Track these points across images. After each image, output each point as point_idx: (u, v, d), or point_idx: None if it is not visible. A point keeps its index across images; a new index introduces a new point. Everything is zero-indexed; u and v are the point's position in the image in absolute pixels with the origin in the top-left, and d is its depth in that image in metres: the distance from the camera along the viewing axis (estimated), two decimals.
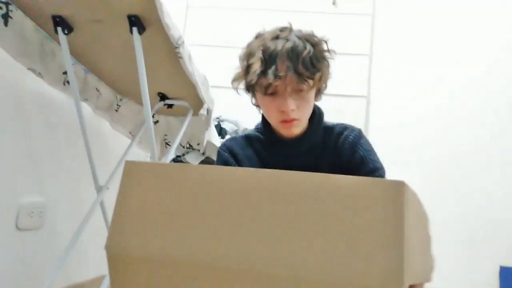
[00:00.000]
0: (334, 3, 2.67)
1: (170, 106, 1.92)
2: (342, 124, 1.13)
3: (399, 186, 0.50)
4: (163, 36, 1.32)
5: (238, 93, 1.07)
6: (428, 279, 0.67)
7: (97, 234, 1.36)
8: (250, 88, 1.02)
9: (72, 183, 1.73)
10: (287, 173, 0.54)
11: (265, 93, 0.96)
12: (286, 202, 0.52)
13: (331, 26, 2.46)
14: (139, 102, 1.95)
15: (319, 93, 1.07)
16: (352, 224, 0.49)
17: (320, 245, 0.48)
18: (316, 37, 1.00)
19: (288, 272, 0.49)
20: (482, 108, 2.42)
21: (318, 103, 1.13)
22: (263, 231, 0.51)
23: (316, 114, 1.10)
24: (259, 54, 0.95)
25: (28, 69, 1.39)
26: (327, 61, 1.01)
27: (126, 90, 1.86)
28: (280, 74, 0.91)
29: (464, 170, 2.36)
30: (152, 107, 1.83)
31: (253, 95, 1.06)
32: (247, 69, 0.99)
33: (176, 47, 1.34)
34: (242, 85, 1.06)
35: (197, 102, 1.80)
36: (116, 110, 1.92)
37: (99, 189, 1.56)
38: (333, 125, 1.12)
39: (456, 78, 2.48)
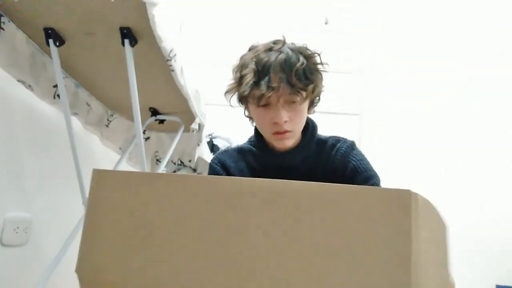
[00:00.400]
0: (326, 23, 2.70)
1: (161, 122, 1.90)
2: (336, 136, 1.13)
3: (406, 196, 0.46)
4: (155, 49, 1.32)
5: (231, 105, 1.06)
6: None
7: None
8: (243, 99, 1.02)
9: (60, 198, 1.69)
10: (281, 182, 0.49)
11: (258, 104, 0.96)
12: (278, 213, 0.47)
13: (324, 45, 2.48)
14: (130, 118, 1.93)
15: (312, 105, 1.07)
16: (355, 238, 0.45)
17: (319, 262, 0.44)
18: (309, 50, 1.01)
19: None
20: (478, 123, 2.43)
21: (312, 116, 1.12)
22: (253, 246, 0.46)
23: (310, 127, 1.09)
24: (252, 66, 0.95)
25: (18, 80, 1.37)
26: (320, 74, 1.02)
27: (117, 105, 1.84)
28: (273, 85, 0.91)
29: (461, 189, 2.35)
30: (143, 122, 1.82)
31: (246, 107, 1.06)
32: (240, 80, 0.99)
33: (168, 60, 1.34)
34: (235, 97, 1.05)
35: (189, 117, 1.79)
36: (107, 126, 1.89)
37: (87, 204, 1.52)
38: (326, 138, 1.12)
39: (449, 94, 2.50)
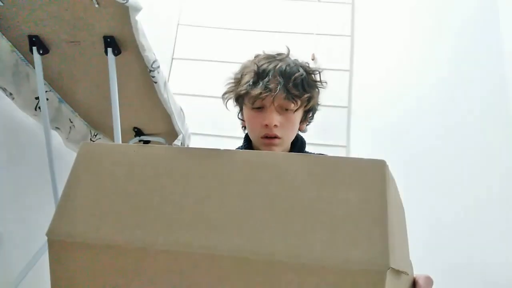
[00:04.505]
0: (313, 59, 2.77)
1: (146, 143, 1.89)
2: (323, 154, 1.13)
3: (381, 165, 0.47)
4: (138, 60, 1.33)
5: (227, 108, 1.10)
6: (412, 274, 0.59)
7: None
8: (239, 98, 1.04)
9: (33, 213, 1.62)
10: (262, 153, 0.50)
11: (253, 104, 0.98)
12: (260, 181, 0.47)
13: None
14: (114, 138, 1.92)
15: (305, 120, 1.08)
16: (332, 203, 0.45)
17: (298, 226, 0.44)
18: (310, 66, 1.05)
19: (263, 257, 0.43)
20: (464, 140, 2.44)
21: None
22: (233, 214, 0.46)
23: (298, 141, 1.10)
24: (253, 68, 1.00)
25: None
26: (318, 89, 1.04)
27: (101, 124, 1.83)
28: (270, 86, 0.95)
29: (450, 217, 2.32)
30: (126, 143, 1.80)
31: (241, 109, 1.08)
32: (239, 80, 1.03)
33: (151, 71, 1.34)
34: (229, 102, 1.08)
35: (175, 139, 1.77)
36: None
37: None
38: (315, 154, 1.12)
39: (439, 125, 2.53)
